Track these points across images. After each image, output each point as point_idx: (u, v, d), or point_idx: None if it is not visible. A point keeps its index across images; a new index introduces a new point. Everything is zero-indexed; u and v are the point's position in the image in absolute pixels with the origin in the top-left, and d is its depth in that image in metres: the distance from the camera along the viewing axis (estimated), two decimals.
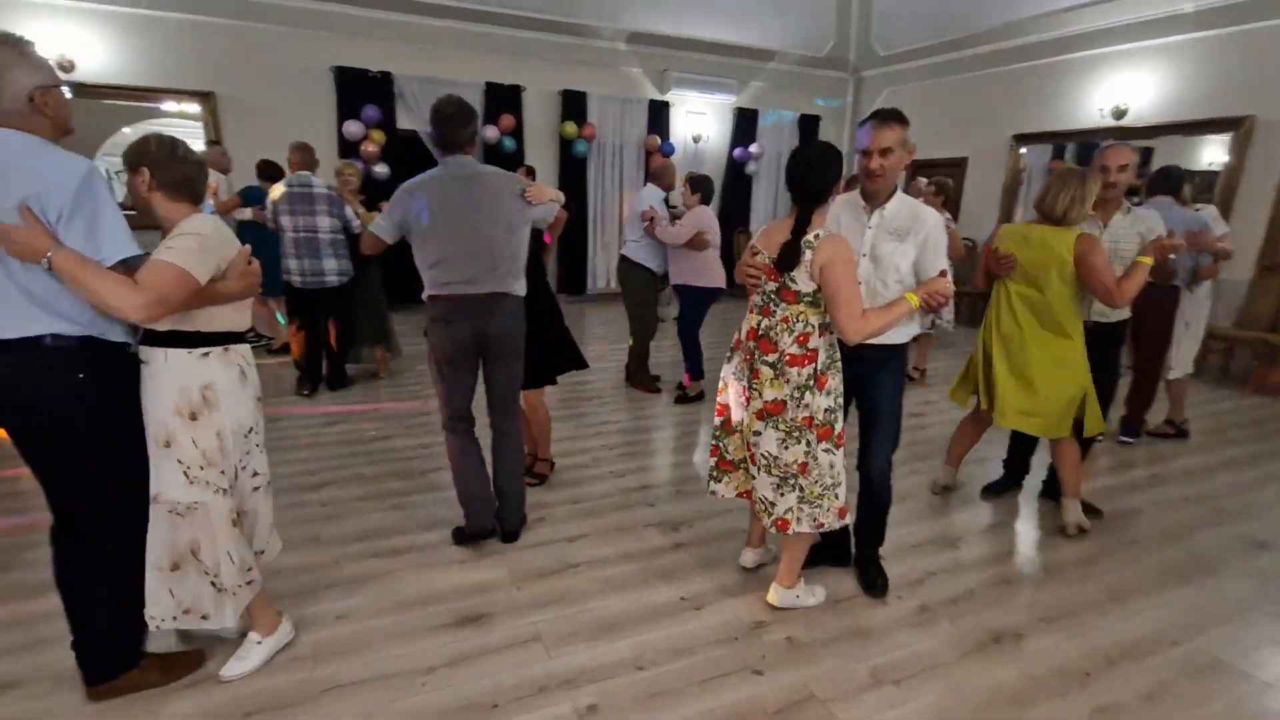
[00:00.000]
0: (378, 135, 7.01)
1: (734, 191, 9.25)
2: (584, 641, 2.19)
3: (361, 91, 6.94)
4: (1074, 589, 2.57)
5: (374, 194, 5.86)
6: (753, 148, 9.04)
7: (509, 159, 7.63)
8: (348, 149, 6.95)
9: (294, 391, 4.64)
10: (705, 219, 4.38)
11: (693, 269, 4.50)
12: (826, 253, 1.96)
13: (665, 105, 8.53)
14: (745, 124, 9.06)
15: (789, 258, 1.99)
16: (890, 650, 2.20)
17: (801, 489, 2.17)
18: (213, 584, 1.85)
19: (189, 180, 1.76)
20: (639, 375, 4.98)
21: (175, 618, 1.86)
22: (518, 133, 7.75)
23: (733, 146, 9.09)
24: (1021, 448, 3.32)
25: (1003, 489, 3.35)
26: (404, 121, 7.27)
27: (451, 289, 2.50)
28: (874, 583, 2.50)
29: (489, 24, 7.31)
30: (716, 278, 4.52)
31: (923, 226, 2.17)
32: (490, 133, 7.44)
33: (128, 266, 1.57)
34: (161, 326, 1.68)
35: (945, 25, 7.88)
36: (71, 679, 1.88)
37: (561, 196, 2.71)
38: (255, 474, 1.98)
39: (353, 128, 6.91)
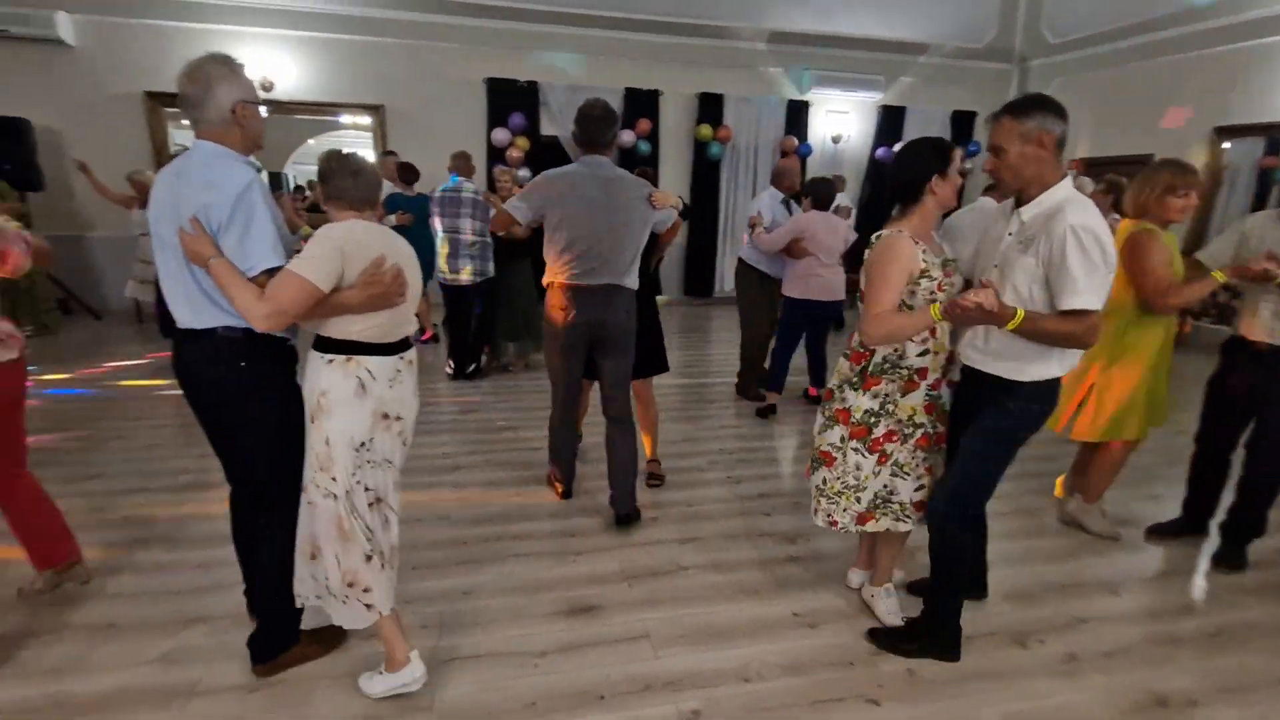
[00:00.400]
0: (522, 141, 7.42)
1: (877, 194, 8.82)
2: (691, 645, 2.18)
3: (510, 100, 7.38)
4: (1265, 660, 2.18)
5: None
6: (897, 148, 8.56)
7: (643, 163, 7.77)
8: (495, 155, 7.42)
9: (445, 378, 5.06)
10: (806, 224, 4.14)
11: (789, 276, 4.31)
12: (873, 252, 1.98)
13: (804, 105, 8.31)
14: (890, 122, 8.60)
15: (853, 258, 1.96)
16: (1027, 698, 1.99)
17: (824, 480, 2.18)
18: (325, 583, 1.87)
19: (356, 191, 1.78)
20: (745, 384, 4.82)
21: (319, 596, 1.91)
22: (653, 136, 7.88)
23: (875, 146, 8.66)
24: (1207, 487, 2.87)
25: (1177, 532, 2.92)
26: (546, 128, 7.63)
27: (573, 278, 2.68)
28: (906, 634, 2.20)
29: (630, 30, 7.49)
30: (809, 288, 4.22)
31: (1050, 237, 1.74)
32: (627, 137, 7.62)
33: (267, 276, 1.68)
34: (309, 328, 1.77)
35: (1130, 6, 7.02)
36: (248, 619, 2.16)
37: (680, 203, 2.84)
38: (367, 489, 1.84)
39: (500, 135, 7.36)
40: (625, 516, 2.91)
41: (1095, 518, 2.95)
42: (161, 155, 6.69)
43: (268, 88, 6.75)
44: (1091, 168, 7.42)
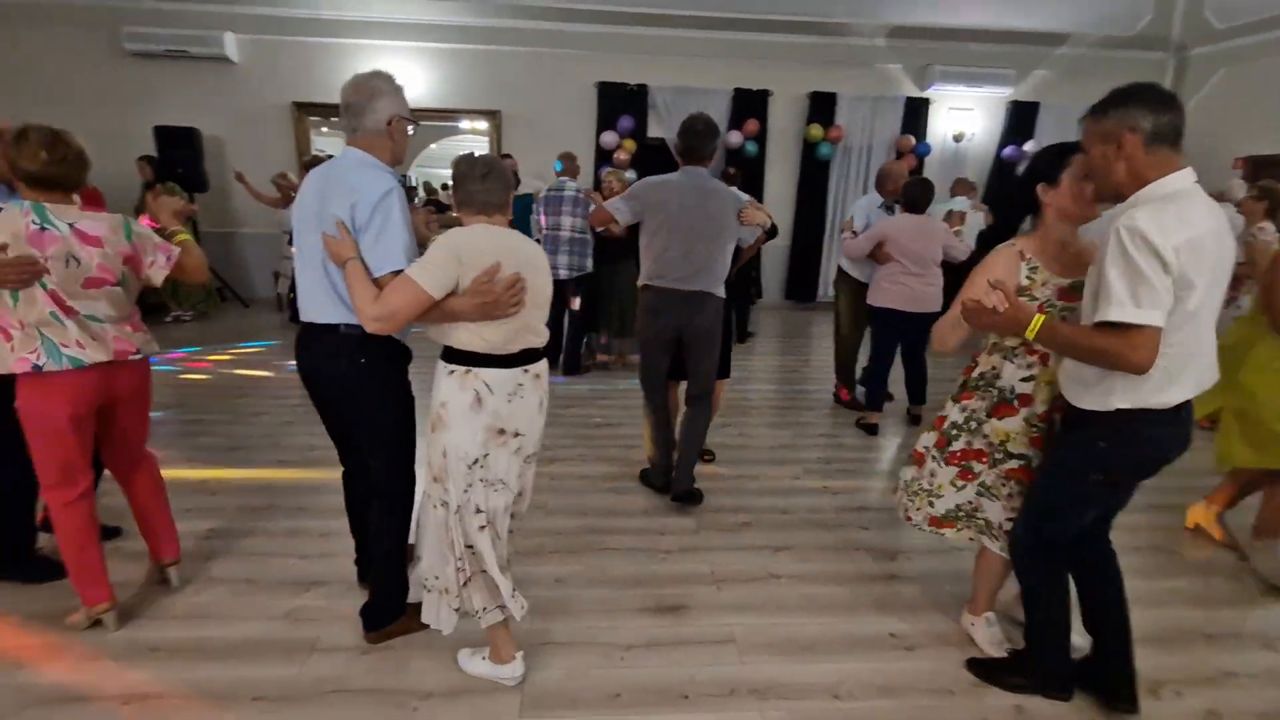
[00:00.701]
0: (629, 144, 7.53)
1: (1001, 195, 8.23)
2: (778, 655, 2.13)
3: (619, 104, 7.52)
4: None
5: None
6: (1028, 146, 7.94)
7: (749, 164, 7.69)
8: (603, 157, 7.58)
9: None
10: (890, 229, 3.89)
11: (872, 284, 4.06)
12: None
13: (924, 102, 7.89)
14: (1020, 119, 8.00)
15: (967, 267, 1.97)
16: None
17: (911, 477, 2.19)
18: (423, 579, 1.89)
19: (484, 195, 1.76)
20: (839, 392, 4.67)
21: (423, 584, 1.93)
22: (760, 136, 7.77)
23: (1002, 145, 8.09)
24: None
25: None
26: (654, 130, 7.71)
27: (665, 282, 2.83)
28: (1010, 666, 2.04)
29: (740, 30, 7.42)
30: (890, 296, 3.90)
31: (1104, 240, 1.52)
32: (734, 138, 7.56)
33: (392, 278, 1.73)
34: (434, 337, 1.78)
35: None
36: (358, 587, 2.33)
37: (767, 221, 2.99)
38: (478, 510, 1.78)
39: (608, 138, 7.51)
40: (685, 494, 3.00)
41: (1268, 558, 2.62)
42: (303, 159, 7.36)
43: None
44: (1260, 169, 6.56)
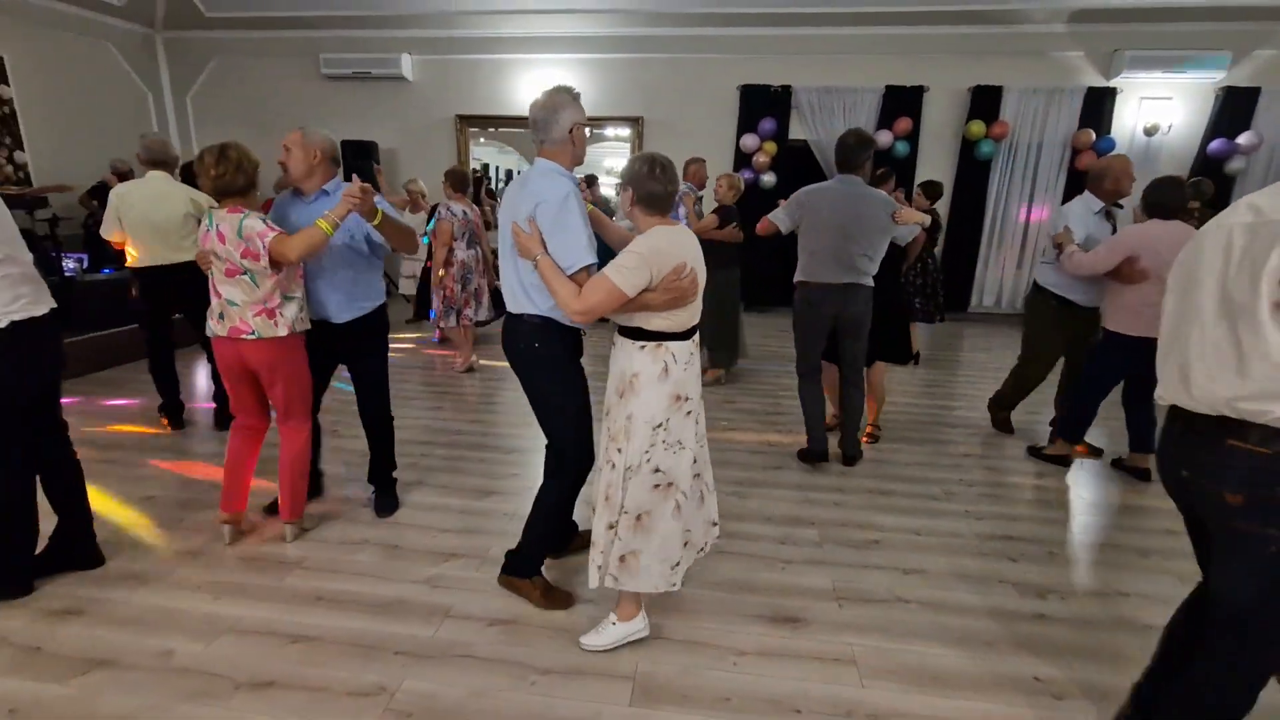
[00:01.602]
0: (770, 147, 7.41)
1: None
2: (903, 684, 2.00)
3: (762, 106, 7.43)
4: None
5: (760, 202, 6.23)
6: (1242, 138, 6.84)
7: (900, 165, 7.29)
8: (743, 160, 7.52)
9: None
10: (1146, 239, 3.12)
11: (1115, 306, 3.31)
12: None
13: (1109, 92, 7.06)
14: (1235, 108, 6.91)
15: None
16: None
17: None
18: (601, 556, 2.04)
19: (657, 196, 1.92)
20: (999, 411, 4.16)
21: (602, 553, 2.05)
22: (913, 135, 7.33)
23: (1208, 139, 7.03)
24: None
25: None
26: (796, 132, 7.53)
27: (818, 277, 3.29)
28: None
29: (892, 25, 7.05)
30: (1144, 323, 3.12)
31: None
32: (883, 138, 7.21)
33: (586, 273, 1.96)
34: (618, 320, 1.99)
35: None
36: (495, 561, 2.50)
37: (926, 220, 3.27)
38: (657, 470, 1.96)
39: (749, 141, 7.45)
40: (852, 457, 3.55)
41: None
42: (464, 166, 8.00)
43: None
44: None
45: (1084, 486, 3.43)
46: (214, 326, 2.49)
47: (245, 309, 2.43)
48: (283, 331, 2.47)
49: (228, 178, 2.35)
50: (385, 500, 2.98)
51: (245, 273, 2.40)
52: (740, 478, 3.41)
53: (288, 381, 2.57)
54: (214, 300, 2.48)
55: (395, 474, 3.07)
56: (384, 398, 2.93)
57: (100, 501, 2.92)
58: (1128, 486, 3.42)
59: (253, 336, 2.44)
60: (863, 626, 2.26)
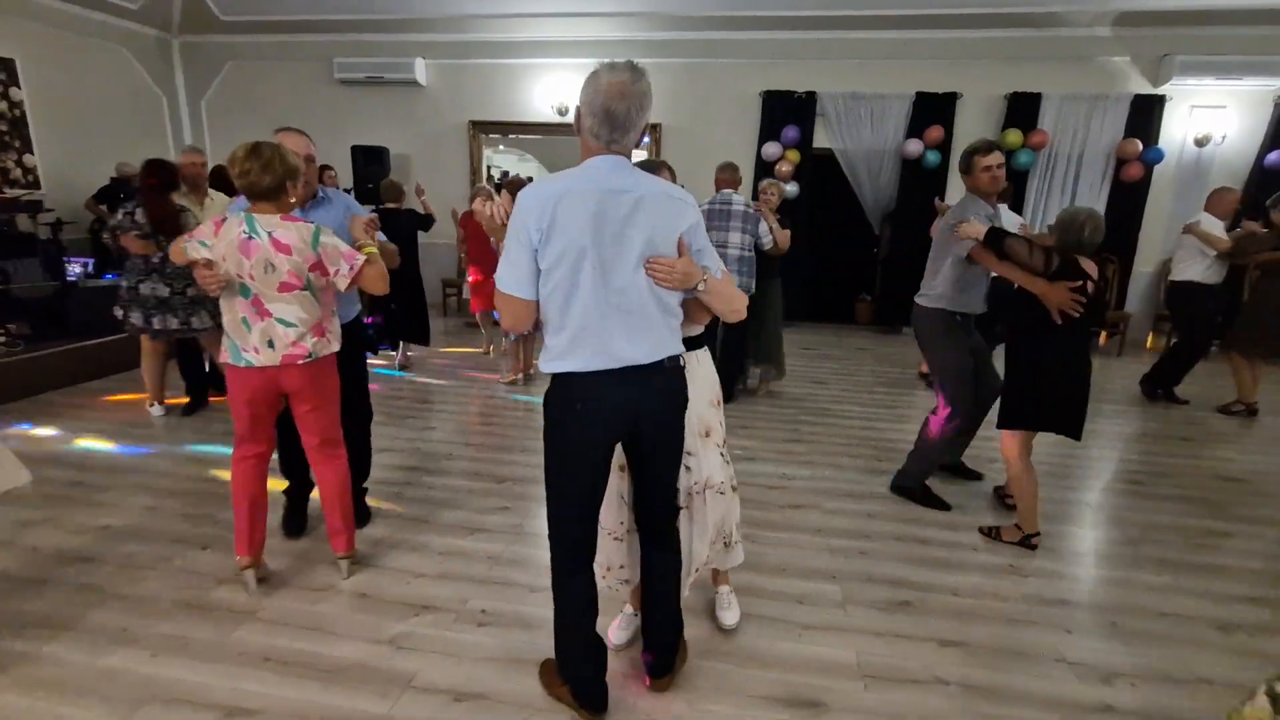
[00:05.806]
0: (793, 154, 7.08)
1: (1257, 213, 6.67)
2: None
3: (786, 112, 7.10)
4: None
5: (782, 212, 5.87)
6: None
7: (928, 175, 6.92)
8: (764, 169, 7.20)
9: None
10: None
11: None
12: None
13: (1157, 100, 6.62)
14: None
15: None
16: None
17: None
18: (725, 544, 2.13)
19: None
20: (1155, 379, 5.05)
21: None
22: (945, 144, 6.95)
23: (1267, 150, 6.55)
24: None
25: None
26: (820, 140, 7.19)
27: (969, 308, 3.20)
28: None
29: (923, 28, 6.69)
30: None
31: None
32: (912, 147, 6.85)
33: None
34: (694, 331, 1.90)
35: None
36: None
37: (980, 232, 2.91)
38: (688, 469, 1.99)
39: (771, 149, 7.12)
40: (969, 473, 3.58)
41: None
42: (476, 174, 7.78)
43: (563, 112, 7.41)
44: None
45: (1145, 544, 3.03)
46: (254, 358, 2.16)
47: (305, 329, 2.18)
48: (336, 346, 2.31)
49: (252, 175, 2.06)
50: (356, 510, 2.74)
51: (305, 287, 2.16)
52: (753, 518, 3.05)
53: (329, 402, 2.35)
54: (254, 323, 2.14)
55: (365, 484, 2.94)
56: (364, 400, 2.84)
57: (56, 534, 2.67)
58: (1188, 542, 3.02)
59: (308, 360, 2.22)
60: (894, 714, 1.91)
